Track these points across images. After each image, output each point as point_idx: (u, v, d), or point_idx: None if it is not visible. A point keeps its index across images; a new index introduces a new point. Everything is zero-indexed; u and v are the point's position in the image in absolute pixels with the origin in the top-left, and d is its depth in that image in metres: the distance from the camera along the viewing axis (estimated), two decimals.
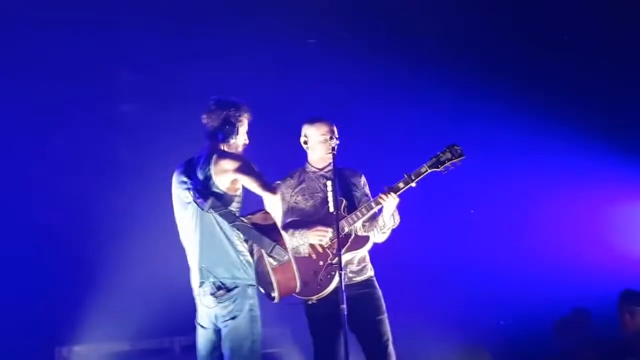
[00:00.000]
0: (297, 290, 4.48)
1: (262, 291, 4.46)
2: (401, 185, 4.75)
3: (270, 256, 4.36)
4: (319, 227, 4.74)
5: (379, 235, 4.86)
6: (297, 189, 4.94)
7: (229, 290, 4.35)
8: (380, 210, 4.78)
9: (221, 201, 4.37)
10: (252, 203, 4.56)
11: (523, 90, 7.92)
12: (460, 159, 4.82)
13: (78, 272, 7.95)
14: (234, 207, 4.42)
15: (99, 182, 7.92)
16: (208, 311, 4.43)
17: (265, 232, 4.38)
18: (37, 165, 7.84)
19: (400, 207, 4.89)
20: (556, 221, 7.93)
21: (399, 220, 4.89)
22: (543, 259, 7.77)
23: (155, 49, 7.89)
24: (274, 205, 4.42)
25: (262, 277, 4.44)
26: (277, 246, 4.35)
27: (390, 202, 4.72)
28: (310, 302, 4.74)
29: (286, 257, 4.37)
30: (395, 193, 4.72)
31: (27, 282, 7.86)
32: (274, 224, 4.42)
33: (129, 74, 8.24)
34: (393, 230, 4.92)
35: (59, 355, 8.11)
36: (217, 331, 4.46)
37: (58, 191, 7.92)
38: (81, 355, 8.11)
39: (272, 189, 4.40)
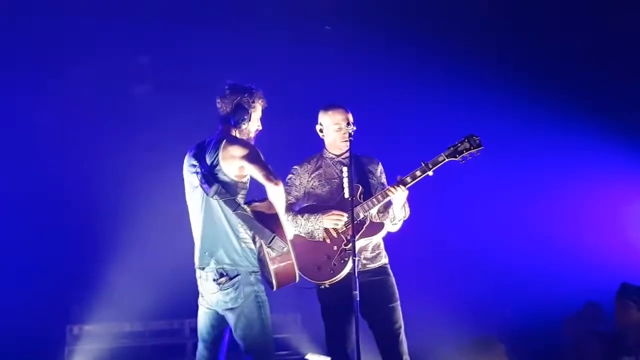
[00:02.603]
0: (296, 280, 4.47)
1: (264, 277, 4.46)
2: (418, 173, 4.73)
3: (269, 247, 4.35)
4: (334, 212, 4.73)
5: (390, 225, 4.85)
6: (314, 174, 4.93)
7: (231, 277, 4.36)
8: (391, 202, 4.76)
9: (226, 188, 4.36)
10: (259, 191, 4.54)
11: (541, 83, 7.89)
12: (478, 149, 4.78)
13: (91, 252, 8.00)
14: (240, 194, 4.41)
15: (110, 165, 7.95)
16: (211, 297, 4.44)
17: (266, 222, 4.36)
18: (49, 147, 7.88)
19: (416, 196, 4.87)
20: (570, 214, 7.91)
21: (409, 213, 4.87)
22: (556, 251, 7.76)
23: (171, 33, 7.90)
24: (277, 196, 4.38)
25: (263, 265, 4.44)
26: (277, 237, 4.34)
27: (399, 195, 4.70)
28: (322, 287, 4.74)
29: (285, 249, 4.35)
30: (406, 185, 4.69)
31: (40, 262, 7.92)
32: (276, 215, 4.40)
33: (143, 56, 8.25)
34: (409, 219, 4.90)
35: (70, 333, 8.17)
36: (215, 312, 4.46)
37: (71, 173, 7.96)
38: (92, 334, 8.16)
39: (275, 180, 4.35)
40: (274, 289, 4.42)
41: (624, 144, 7.92)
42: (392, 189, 4.70)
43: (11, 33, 7.64)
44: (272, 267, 4.37)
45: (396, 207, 4.76)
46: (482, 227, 7.87)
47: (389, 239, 4.97)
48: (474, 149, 4.77)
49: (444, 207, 7.84)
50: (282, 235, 4.36)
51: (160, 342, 8.47)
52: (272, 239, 4.33)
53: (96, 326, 8.21)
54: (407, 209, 4.85)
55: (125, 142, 8.05)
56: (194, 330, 8.38)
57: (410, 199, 4.86)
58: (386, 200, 4.74)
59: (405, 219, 4.86)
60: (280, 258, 4.37)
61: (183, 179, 4.62)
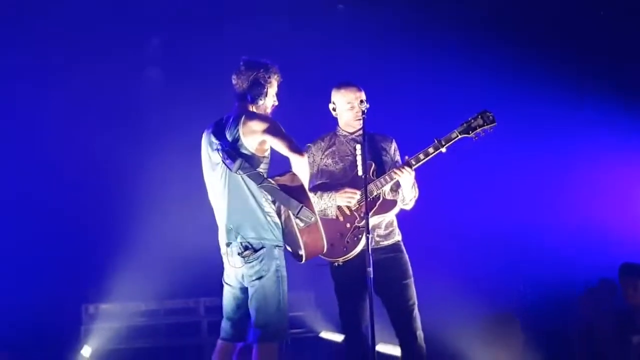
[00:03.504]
0: (324, 251, 4.49)
1: (290, 251, 4.48)
2: (431, 150, 4.71)
3: (298, 217, 4.37)
4: (348, 189, 4.73)
5: (402, 205, 4.85)
6: (327, 152, 4.93)
7: (255, 250, 4.37)
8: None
9: (249, 162, 4.37)
10: (280, 164, 4.55)
11: (556, 60, 7.83)
12: (491, 125, 4.75)
13: (106, 232, 8.06)
14: (262, 168, 4.42)
15: (125, 146, 7.99)
16: (235, 271, 4.46)
17: (293, 194, 4.38)
18: (66, 130, 7.92)
19: (430, 173, 4.86)
20: (585, 190, 7.88)
21: (417, 193, 4.86)
22: (571, 227, 7.73)
23: (184, 11, 7.89)
24: (301, 167, 4.41)
25: (289, 238, 4.45)
26: (304, 207, 4.36)
27: (405, 177, 4.69)
28: (336, 264, 4.75)
29: (313, 219, 4.37)
30: (412, 167, 4.67)
31: (56, 242, 7.99)
32: (301, 186, 4.42)
33: (156, 37, 8.26)
34: (424, 195, 4.90)
35: (86, 312, 8.26)
36: (244, 289, 4.49)
37: (88, 154, 8.01)
38: (107, 313, 8.24)
39: (299, 151, 4.38)
40: (303, 260, 4.45)
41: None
42: (397, 170, 4.69)
43: (23, 24, 7.69)
44: (301, 239, 4.38)
45: (404, 188, 4.76)
46: (497, 204, 7.85)
47: (402, 216, 4.97)
48: (487, 125, 4.74)
49: (458, 184, 7.83)
50: (310, 205, 4.38)
51: (176, 320, 8.56)
52: (300, 209, 4.34)
53: (112, 305, 8.29)
54: (416, 190, 4.84)
55: (139, 124, 8.09)
56: (209, 309, 8.49)
57: (424, 176, 4.86)
58: (394, 180, 4.74)
59: (415, 198, 4.85)
60: (309, 229, 4.39)
61: (199, 159, 4.63)
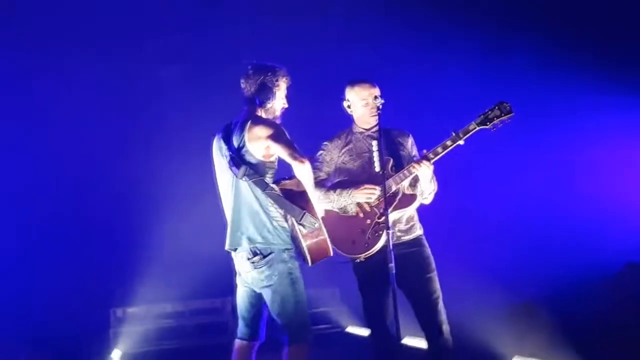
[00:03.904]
0: (330, 254, 4.50)
1: (300, 253, 4.50)
2: (449, 143, 4.71)
3: (300, 224, 4.38)
4: (367, 186, 4.73)
5: (421, 199, 4.85)
6: (344, 150, 4.93)
7: (264, 256, 4.41)
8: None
9: (254, 169, 4.41)
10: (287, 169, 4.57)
11: (575, 44, 7.78)
12: (509, 116, 4.74)
13: (131, 237, 8.13)
14: (269, 174, 4.45)
15: (147, 150, 8.04)
16: (246, 276, 4.51)
17: (296, 200, 4.40)
18: (86, 131, 7.99)
19: (449, 163, 4.86)
20: (608, 176, 7.83)
21: (435, 188, 4.85)
22: (593, 212, 7.69)
23: (194, 11, 7.92)
24: (303, 175, 4.42)
25: (296, 243, 4.48)
26: (307, 214, 4.37)
27: (423, 170, 4.69)
28: (358, 261, 4.76)
29: (316, 225, 4.39)
30: (430, 160, 4.67)
31: (83, 248, 8.08)
32: (304, 192, 4.43)
33: (171, 38, 8.29)
34: (444, 186, 4.90)
35: (114, 315, 8.33)
36: (253, 290, 4.53)
37: (111, 160, 8.07)
38: (135, 316, 8.31)
39: (300, 159, 4.38)
40: (310, 264, 4.46)
41: None
42: (415, 164, 4.69)
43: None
44: (304, 244, 4.40)
45: (423, 182, 4.76)
46: (519, 192, 7.83)
47: (423, 210, 4.97)
48: (504, 115, 4.73)
49: (479, 173, 7.81)
50: (312, 212, 4.39)
51: (203, 320, 8.61)
52: (303, 215, 4.36)
53: (139, 308, 8.35)
54: (435, 183, 4.83)
55: (161, 125, 8.14)
56: (236, 308, 8.53)
57: (443, 166, 4.85)
58: (414, 174, 4.74)
59: (434, 192, 4.85)
60: (312, 234, 4.40)
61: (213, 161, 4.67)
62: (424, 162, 4.68)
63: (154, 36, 8.15)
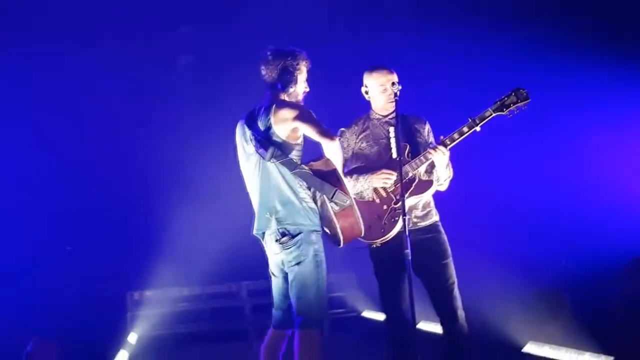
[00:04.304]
0: (362, 234, 4.52)
1: (329, 235, 4.51)
2: (465, 129, 4.70)
3: (332, 201, 4.41)
4: (384, 171, 4.74)
5: (437, 186, 4.85)
6: (361, 136, 4.94)
7: (293, 236, 4.42)
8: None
9: (282, 150, 4.42)
10: (313, 150, 4.59)
11: (588, 33, 7.75)
12: (525, 102, 4.73)
13: (149, 221, 8.18)
14: (295, 155, 4.46)
15: (164, 136, 8.09)
16: (275, 258, 4.52)
17: (326, 179, 4.42)
18: (101, 118, 8.04)
19: (465, 152, 4.85)
20: (626, 161, 7.80)
21: (450, 175, 4.84)
22: (612, 197, 7.67)
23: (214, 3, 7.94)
24: (333, 152, 4.44)
25: (326, 224, 4.49)
26: (339, 191, 4.39)
27: (439, 156, 4.69)
28: (374, 246, 4.77)
29: (348, 202, 4.41)
30: (446, 147, 4.66)
31: (101, 232, 8.14)
32: (335, 170, 4.45)
33: (190, 27, 8.31)
34: (460, 174, 4.90)
35: (131, 299, 8.41)
36: (287, 278, 4.53)
37: (128, 145, 8.13)
38: (152, 299, 8.38)
39: (330, 136, 4.41)
40: (341, 244, 4.48)
41: None
42: (432, 150, 4.69)
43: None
44: (337, 223, 4.42)
45: (439, 168, 4.75)
46: (537, 178, 7.81)
47: (441, 197, 4.97)
48: (521, 102, 4.72)
49: (498, 160, 7.80)
50: (344, 189, 4.42)
51: (219, 304, 8.67)
52: (335, 192, 4.39)
53: (156, 292, 8.42)
54: (451, 170, 4.83)
55: (177, 113, 8.17)
56: (251, 292, 8.60)
57: (459, 154, 4.85)
58: (430, 160, 4.74)
59: (450, 178, 4.85)
60: (344, 212, 4.42)
61: (236, 147, 4.68)
62: (440, 147, 4.68)
63: (167, 29, 8.17)
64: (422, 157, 4.74)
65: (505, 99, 4.73)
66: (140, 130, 8.15)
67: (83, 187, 8.14)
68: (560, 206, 7.74)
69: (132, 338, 8.05)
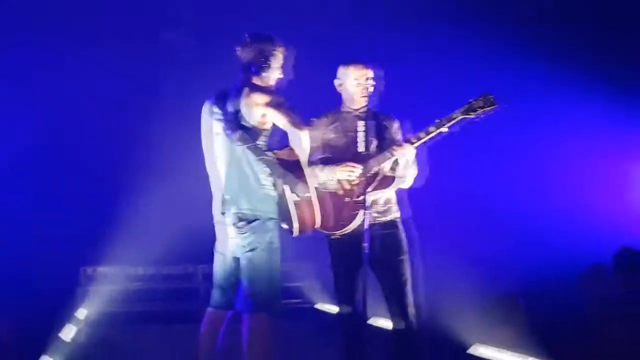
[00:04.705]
0: (317, 226, 4.56)
1: (284, 226, 4.52)
2: (432, 129, 4.74)
3: (294, 192, 4.43)
4: (348, 163, 4.77)
5: (400, 183, 4.89)
6: (330, 127, 4.96)
7: (249, 222, 4.44)
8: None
9: (249, 134, 4.42)
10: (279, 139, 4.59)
11: (562, 44, 7.84)
12: (492, 107, 4.78)
13: (106, 196, 8.11)
14: (262, 141, 4.48)
15: (126, 114, 8.02)
16: (229, 240, 4.53)
17: (290, 168, 4.45)
18: (66, 101, 7.95)
19: (433, 154, 4.89)
20: (580, 176, 7.92)
21: (416, 172, 4.89)
22: (572, 209, 7.78)
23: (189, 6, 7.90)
24: (300, 142, 4.46)
25: (283, 212, 4.51)
26: (301, 182, 4.43)
27: (404, 153, 4.72)
28: (333, 237, 4.81)
29: (308, 194, 4.43)
30: (412, 144, 4.70)
31: (55, 205, 8.04)
32: (299, 161, 4.48)
33: (169, 6, 8.24)
34: (430, 175, 4.94)
35: (84, 274, 8.34)
36: (235, 258, 4.56)
37: (88, 122, 8.05)
38: (105, 275, 8.31)
39: (299, 125, 4.43)
40: (295, 234, 4.51)
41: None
42: (397, 147, 4.73)
43: None
44: (295, 212, 4.45)
45: (402, 165, 4.80)
46: (498, 186, 7.89)
47: (411, 193, 5.02)
48: (488, 107, 4.76)
49: (462, 167, 7.86)
50: (305, 180, 4.45)
51: (174, 285, 8.63)
52: (297, 183, 4.42)
53: (110, 268, 8.35)
54: (416, 168, 4.87)
55: (143, 89, 8.10)
56: (207, 276, 8.52)
57: (429, 157, 4.90)
58: (394, 157, 4.78)
59: (414, 177, 4.89)
60: (304, 203, 4.46)
61: (199, 127, 4.67)
62: (406, 144, 4.71)
63: (152, 32, 8.11)
64: (387, 153, 4.77)
65: (474, 102, 4.78)
66: (102, 106, 8.07)
67: (39, 157, 8.03)
68: (522, 211, 7.83)
69: (81, 314, 7.97)
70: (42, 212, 7.97)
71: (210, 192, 4.67)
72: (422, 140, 4.74)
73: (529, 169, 8.00)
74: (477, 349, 6.08)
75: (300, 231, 4.50)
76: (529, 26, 7.91)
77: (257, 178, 4.45)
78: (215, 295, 4.64)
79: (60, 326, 7.17)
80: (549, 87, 7.94)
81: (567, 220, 7.79)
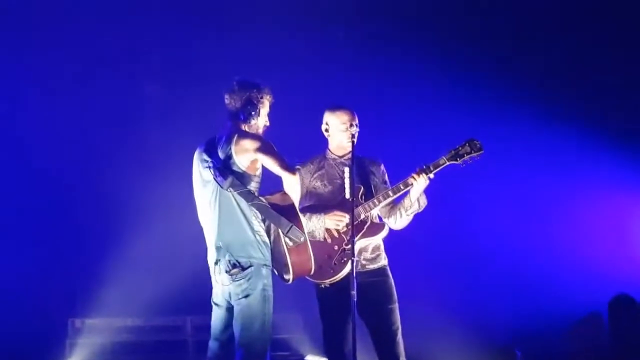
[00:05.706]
0: (312, 272, 4.53)
1: (277, 272, 4.50)
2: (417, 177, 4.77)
3: (287, 236, 4.41)
4: (337, 212, 4.78)
5: (400, 219, 4.89)
6: (316, 175, 4.97)
7: (243, 268, 4.40)
8: (406, 192, 4.80)
9: (240, 180, 4.42)
10: (271, 184, 4.59)
11: (548, 87, 7.91)
12: (479, 153, 4.83)
13: (94, 247, 8.04)
14: (253, 186, 4.47)
15: (119, 161, 8.00)
16: (223, 289, 4.49)
17: (283, 213, 4.43)
18: (55, 143, 7.93)
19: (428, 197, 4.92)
20: (574, 222, 7.92)
21: (424, 204, 4.90)
22: (566, 255, 7.76)
23: (179, 31, 7.95)
24: (293, 186, 4.48)
25: (277, 258, 4.49)
26: (294, 227, 4.40)
27: (421, 183, 4.74)
28: (322, 286, 4.78)
29: (302, 238, 4.42)
30: (427, 174, 4.73)
31: (43, 256, 7.97)
32: (292, 205, 4.47)
33: (154, 55, 8.29)
34: (412, 222, 4.94)
35: (72, 326, 8.19)
36: (231, 309, 4.50)
37: (77, 169, 8.01)
38: (94, 328, 8.20)
39: (291, 170, 4.46)
40: (290, 281, 4.47)
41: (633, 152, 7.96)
42: (415, 176, 4.75)
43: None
44: (289, 258, 4.42)
45: (413, 196, 4.80)
46: (488, 231, 7.88)
47: (393, 240, 5.00)
48: (474, 152, 4.82)
49: (450, 210, 7.85)
50: (299, 225, 4.42)
51: (162, 338, 8.50)
52: (290, 228, 4.39)
53: (98, 320, 8.25)
54: (423, 200, 4.88)
55: (131, 141, 8.10)
56: (196, 327, 8.45)
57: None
58: (391, 199, 4.80)
59: (419, 211, 4.89)
60: (297, 249, 4.43)
61: (189, 176, 4.67)
62: (423, 174, 4.73)
63: (138, 53, 8.14)
64: (375, 200, 4.79)
65: (460, 148, 4.82)
66: (91, 156, 8.05)
67: (29, 205, 7.98)
68: (516, 260, 7.81)
69: None
70: (29, 264, 7.89)
71: (199, 242, 4.65)
72: (407, 189, 4.77)
73: (526, 216, 7.99)
74: None
75: (294, 277, 4.46)
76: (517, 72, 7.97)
77: (250, 224, 4.43)
78: (213, 347, 4.58)
79: None
80: (545, 129, 7.97)
81: (563, 267, 7.76)
